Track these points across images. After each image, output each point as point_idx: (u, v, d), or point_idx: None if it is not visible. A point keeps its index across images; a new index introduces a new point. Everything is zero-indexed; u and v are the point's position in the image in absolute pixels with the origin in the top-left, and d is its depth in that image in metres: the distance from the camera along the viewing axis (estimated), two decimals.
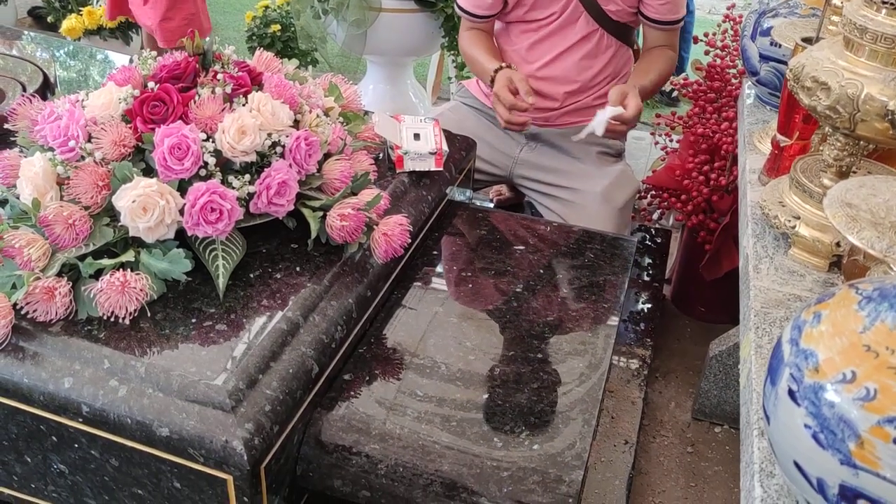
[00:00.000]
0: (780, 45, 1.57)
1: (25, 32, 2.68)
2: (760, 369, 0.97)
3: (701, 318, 2.14)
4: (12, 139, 1.36)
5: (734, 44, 2.11)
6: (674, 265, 2.27)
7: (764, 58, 1.63)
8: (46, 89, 1.77)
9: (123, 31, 3.32)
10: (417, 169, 1.60)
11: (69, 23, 3.23)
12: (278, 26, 3.08)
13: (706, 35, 2.17)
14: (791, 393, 0.69)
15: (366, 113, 1.66)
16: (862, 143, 1.13)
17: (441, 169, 1.63)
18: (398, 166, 1.60)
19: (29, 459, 1.17)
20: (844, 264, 1.09)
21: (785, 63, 1.49)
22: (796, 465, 0.68)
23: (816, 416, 0.65)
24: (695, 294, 2.15)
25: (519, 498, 1.10)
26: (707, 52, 2.16)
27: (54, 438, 1.13)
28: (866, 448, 0.62)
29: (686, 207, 2.01)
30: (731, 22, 2.14)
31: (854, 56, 1.07)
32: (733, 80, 2.09)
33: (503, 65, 1.87)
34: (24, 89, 1.71)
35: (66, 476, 1.16)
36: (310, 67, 2.95)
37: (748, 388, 0.97)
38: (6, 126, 1.38)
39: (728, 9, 2.19)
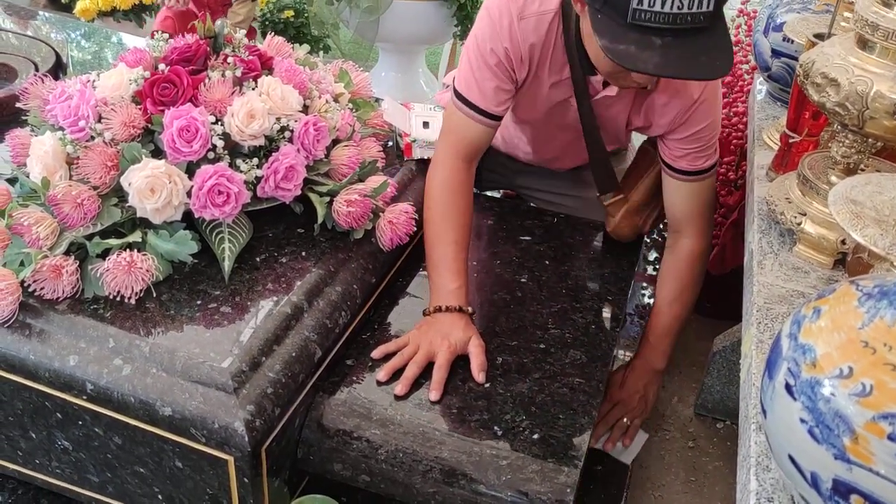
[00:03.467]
0: (792, 41, 1.56)
1: (40, 13, 2.70)
2: (761, 364, 0.97)
3: (706, 314, 2.14)
4: (24, 118, 1.38)
5: (747, 39, 2.10)
6: None
7: (776, 53, 1.62)
8: (59, 69, 1.78)
9: (137, 13, 3.33)
10: (426, 157, 1.60)
11: (83, 4, 3.24)
12: (291, 12, 3.08)
13: None
14: (788, 387, 0.69)
15: (377, 100, 1.67)
16: (870, 140, 1.13)
17: None
18: (406, 154, 1.60)
19: (34, 435, 1.19)
20: (849, 262, 1.09)
21: (796, 59, 1.49)
22: (791, 458, 0.69)
23: (812, 411, 0.66)
24: (701, 290, 2.15)
25: (517, 487, 1.11)
26: None
27: (59, 415, 1.14)
28: (860, 443, 0.62)
29: None
30: (746, 17, 2.13)
31: (865, 53, 1.07)
32: (745, 76, 2.08)
33: (462, 306, 1.32)
34: (37, 69, 1.72)
35: (70, 452, 1.18)
36: (321, 53, 2.95)
37: (748, 382, 0.97)
38: (18, 105, 1.39)
39: (742, 3, 2.18)
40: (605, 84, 1.39)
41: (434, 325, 1.29)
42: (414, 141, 1.60)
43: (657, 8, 1.07)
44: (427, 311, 1.33)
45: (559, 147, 1.64)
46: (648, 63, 1.11)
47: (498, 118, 1.41)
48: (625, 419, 1.58)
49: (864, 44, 1.07)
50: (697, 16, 1.08)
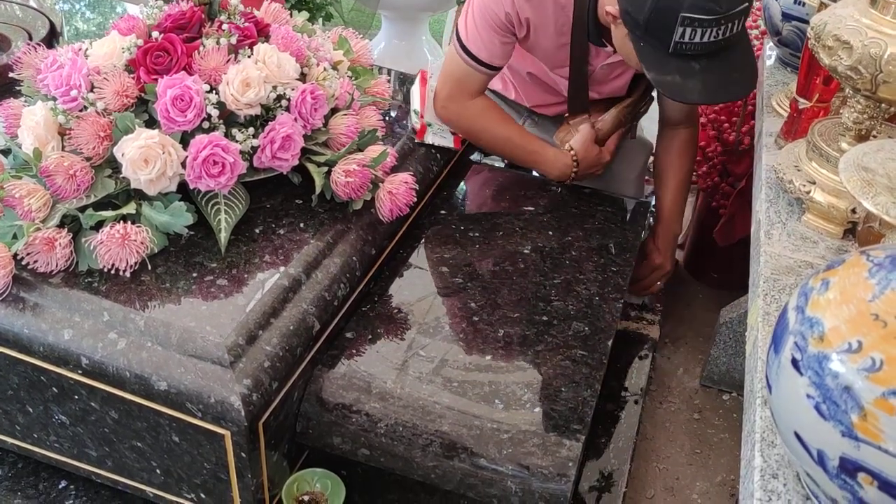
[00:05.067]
0: (803, 4, 1.52)
1: None
2: (767, 337, 0.94)
3: (713, 285, 2.11)
4: (18, 88, 1.35)
5: (757, 3, 2.05)
6: (687, 230, 2.23)
7: (786, 17, 1.58)
8: (53, 38, 1.75)
9: None
10: (437, 143, 1.57)
11: None
12: None
13: None
14: (794, 362, 0.67)
15: (379, 69, 1.63)
16: (883, 105, 1.09)
17: (458, 148, 1.60)
18: (419, 136, 1.56)
19: (31, 410, 1.18)
20: (859, 231, 1.06)
21: (807, 22, 1.44)
22: (797, 435, 0.67)
23: (819, 387, 0.63)
24: (708, 260, 2.12)
25: (519, 460, 1.10)
26: None
27: (55, 389, 1.13)
28: (869, 420, 0.60)
29: (700, 168, 1.98)
30: None
31: (879, 14, 1.03)
32: (755, 41, 2.03)
33: (568, 146, 1.60)
34: (31, 38, 1.69)
35: (68, 427, 1.17)
36: (322, 21, 2.90)
37: (754, 355, 0.95)
38: (11, 75, 1.36)
39: None
40: (603, 45, 1.49)
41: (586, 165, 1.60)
42: (430, 125, 1.56)
43: (697, 39, 1.22)
44: (570, 178, 1.61)
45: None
46: (693, 93, 1.27)
47: (499, 68, 1.54)
48: (658, 282, 1.77)
49: (878, 5, 1.03)
50: (729, 39, 1.23)
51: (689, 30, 1.20)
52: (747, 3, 1.23)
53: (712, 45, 1.22)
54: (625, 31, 1.30)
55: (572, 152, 1.59)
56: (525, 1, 1.42)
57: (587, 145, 1.60)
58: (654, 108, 1.78)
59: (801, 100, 1.34)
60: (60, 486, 1.25)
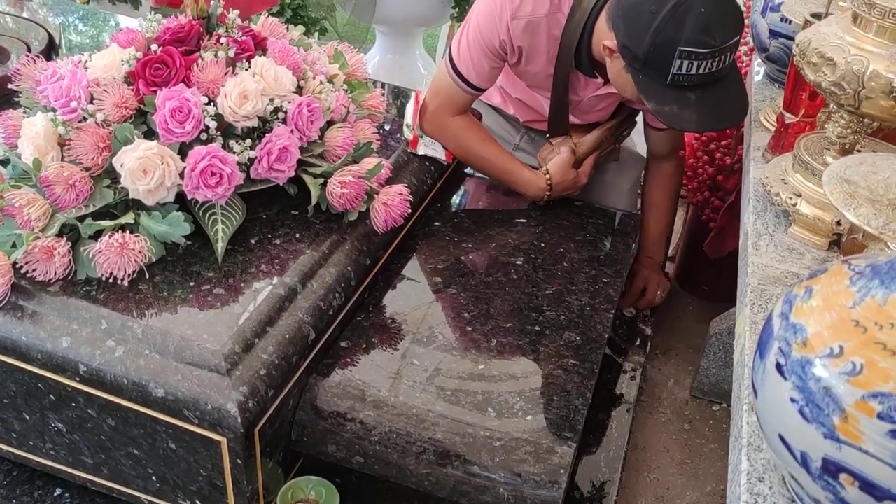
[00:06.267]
0: (790, 22, 1.55)
1: None
2: (754, 345, 0.96)
3: (703, 297, 2.13)
4: (16, 99, 1.37)
5: (745, 20, 2.08)
6: (678, 243, 2.26)
7: (773, 34, 1.61)
8: (51, 50, 1.77)
9: None
10: (429, 154, 1.60)
11: None
12: None
13: None
14: (779, 367, 0.68)
15: (373, 82, 1.65)
16: (866, 120, 1.12)
17: (450, 162, 1.62)
18: (411, 146, 1.59)
19: (27, 417, 1.18)
20: (844, 243, 1.09)
21: (794, 39, 1.47)
22: (781, 438, 0.69)
23: (802, 390, 0.65)
24: (698, 272, 2.14)
25: (511, 468, 1.11)
26: None
27: (52, 397, 1.14)
28: (850, 422, 0.62)
29: (691, 184, 2.00)
30: None
31: (861, 32, 1.05)
32: (744, 58, 2.07)
33: (544, 169, 1.64)
34: (29, 50, 1.71)
35: (64, 434, 1.18)
36: (317, 35, 2.93)
37: (741, 363, 0.97)
38: (10, 86, 1.38)
39: None
40: (594, 77, 1.55)
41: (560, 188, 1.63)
42: (422, 136, 1.60)
43: (693, 71, 1.28)
44: (544, 199, 1.64)
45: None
46: (690, 122, 1.33)
47: (484, 90, 1.61)
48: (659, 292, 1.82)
49: (860, 23, 1.06)
50: (722, 70, 1.30)
51: (686, 62, 1.26)
52: (738, 37, 1.29)
53: (706, 76, 1.28)
54: (621, 64, 1.34)
55: (547, 176, 1.63)
56: (521, 31, 1.46)
57: (564, 169, 1.63)
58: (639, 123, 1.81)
59: (788, 115, 1.37)
60: (56, 494, 1.26)
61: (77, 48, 2.07)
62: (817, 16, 1.33)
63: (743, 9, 2.08)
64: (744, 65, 2.04)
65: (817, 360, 0.65)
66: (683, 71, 1.27)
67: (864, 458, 0.61)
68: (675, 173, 1.81)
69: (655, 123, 1.67)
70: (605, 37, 1.38)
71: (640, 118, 1.79)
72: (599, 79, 1.53)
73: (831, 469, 0.64)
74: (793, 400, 0.66)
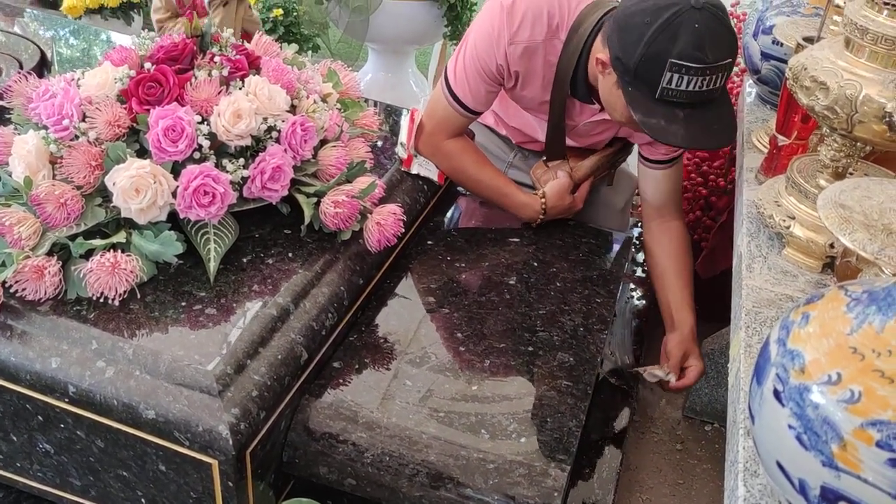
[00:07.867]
0: (781, 44, 1.56)
1: (27, 10, 2.67)
2: (749, 369, 0.96)
3: (695, 317, 2.13)
4: (7, 116, 1.36)
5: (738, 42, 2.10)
6: None
7: (765, 56, 1.62)
8: (43, 67, 1.76)
9: (125, 10, 3.30)
10: (423, 174, 1.60)
11: (70, 1, 3.21)
12: (280, 11, 3.06)
13: None
14: (776, 393, 0.68)
15: (366, 101, 1.65)
16: (859, 144, 1.13)
17: (441, 184, 1.62)
18: (405, 165, 1.59)
19: (15, 438, 1.17)
20: (837, 266, 1.09)
21: (786, 62, 1.48)
22: (779, 465, 0.68)
23: (800, 417, 0.65)
24: None
25: (504, 490, 1.10)
26: None
27: (40, 418, 1.12)
28: (849, 450, 0.61)
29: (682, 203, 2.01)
30: (735, 20, 2.13)
31: (854, 57, 1.06)
32: (735, 79, 2.08)
33: (541, 192, 1.63)
34: (21, 66, 1.70)
35: (52, 456, 1.16)
36: (310, 53, 2.93)
37: (736, 387, 0.97)
38: (1, 103, 1.37)
39: (732, 6, 2.18)
40: (590, 102, 1.54)
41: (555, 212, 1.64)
42: (416, 155, 1.60)
43: (682, 87, 1.26)
44: (537, 222, 1.64)
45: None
46: (677, 136, 1.30)
47: (480, 113, 1.60)
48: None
49: (853, 47, 1.07)
50: (712, 91, 1.28)
51: (676, 76, 1.25)
52: (731, 60, 1.28)
53: (696, 95, 1.27)
54: (613, 79, 1.34)
55: (543, 200, 1.63)
56: (518, 55, 1.46)
57: (561, 193, 1.64)
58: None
59: (781, 137, 1.38)
60: None
61: (68, 62, 2.07)
62: (809, 40, 1.34)
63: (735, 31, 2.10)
64: (735, 85, 2.06)
65: (815, 387, 0.65)
66: (673, 85, 1.26)
67: (862, 487, 0.61)
68: (683, 234, 1.65)
69: (651, 155, 1.60)
70: (598, 49, 1.38)
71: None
72: (595, 104, 1.53)
73: (830, 497, 0.63)
74: (791, 427, 0.66)
